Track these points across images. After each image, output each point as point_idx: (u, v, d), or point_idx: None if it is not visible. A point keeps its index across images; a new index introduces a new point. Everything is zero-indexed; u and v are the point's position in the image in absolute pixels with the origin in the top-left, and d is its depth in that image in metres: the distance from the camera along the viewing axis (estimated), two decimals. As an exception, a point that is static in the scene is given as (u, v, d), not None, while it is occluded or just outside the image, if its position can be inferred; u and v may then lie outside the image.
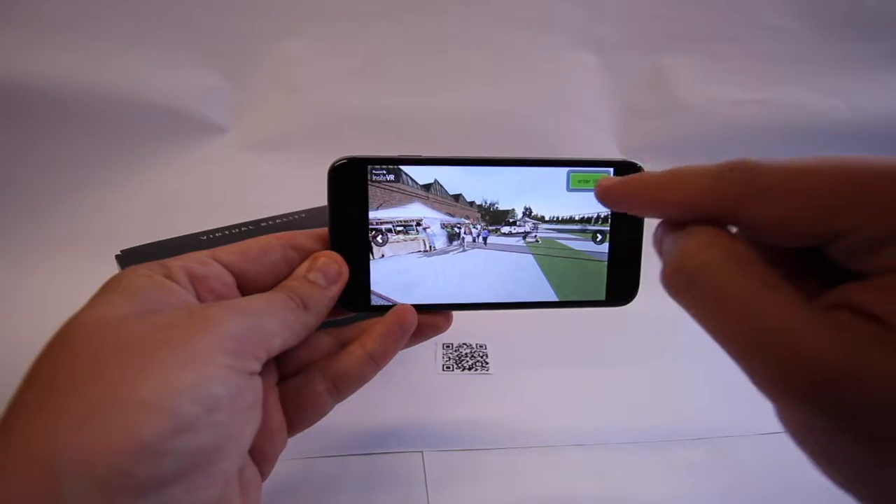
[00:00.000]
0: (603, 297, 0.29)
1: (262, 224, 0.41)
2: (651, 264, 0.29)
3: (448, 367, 0.41)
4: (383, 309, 0.28)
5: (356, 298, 0.28)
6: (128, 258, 0.39)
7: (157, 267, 0.23)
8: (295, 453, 0.32)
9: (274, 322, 0.23)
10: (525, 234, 0.29)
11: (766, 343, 0.15)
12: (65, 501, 0.16)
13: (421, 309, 0.29)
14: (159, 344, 0.19)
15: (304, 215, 0.42)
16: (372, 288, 0.28)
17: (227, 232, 0.41)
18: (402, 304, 0.28)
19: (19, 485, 0.17)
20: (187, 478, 0.19)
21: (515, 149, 0.74)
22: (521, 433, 0.36)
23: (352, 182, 0.27)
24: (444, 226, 0.29)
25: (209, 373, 0.20)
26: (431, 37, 0.73)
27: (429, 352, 0.43)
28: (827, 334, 0.15)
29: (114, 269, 0.37)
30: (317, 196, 0.46)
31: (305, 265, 0.26)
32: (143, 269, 0.23)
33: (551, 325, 0.47)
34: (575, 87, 0.77)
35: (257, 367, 0.22)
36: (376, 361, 0.28)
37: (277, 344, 0.23)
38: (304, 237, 0.27)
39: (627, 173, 0.28)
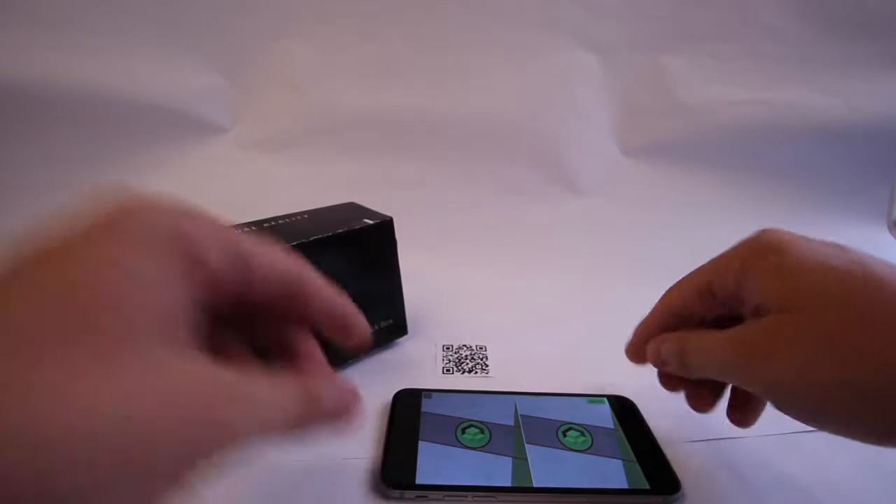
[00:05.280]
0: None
1: (264, 224, 0.41)
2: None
3: (448, 370, 0.41)
4: (431, 488, 0.29)
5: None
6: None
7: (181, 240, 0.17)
8: (295, 455, 0.32)
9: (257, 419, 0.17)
10: None
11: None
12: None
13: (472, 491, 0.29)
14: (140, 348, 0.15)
15: (305, 216, 0.42)
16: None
17: (227, 233, 0.41)
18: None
19: None
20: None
21: (515, 148, 0.74)
22: (521, 434, 0.36)
23: (405, 407, 0.35)
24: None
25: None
26: (431, 37, 0.73)
27: (429, 354, 0.43)
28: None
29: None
30: (317, 196, 0.46)
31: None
32: (165, 223, 0.17)
33: (551, 327, 0.47)
34: (575, 87, 0.77)
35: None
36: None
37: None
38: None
39: (622, 407, 0.37)
